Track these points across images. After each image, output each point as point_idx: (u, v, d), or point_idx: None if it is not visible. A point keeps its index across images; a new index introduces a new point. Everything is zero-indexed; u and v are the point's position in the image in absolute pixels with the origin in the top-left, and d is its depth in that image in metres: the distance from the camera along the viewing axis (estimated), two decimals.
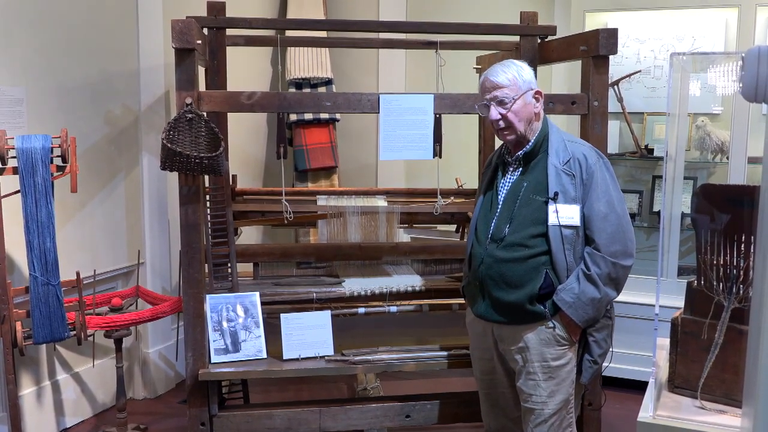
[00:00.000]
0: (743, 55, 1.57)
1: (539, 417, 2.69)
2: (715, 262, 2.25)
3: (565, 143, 2.71)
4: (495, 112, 2.66)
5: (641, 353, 4.36)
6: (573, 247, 2.63)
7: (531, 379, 2.69)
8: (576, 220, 2.62)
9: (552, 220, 2.61)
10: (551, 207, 2.62)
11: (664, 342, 2.55)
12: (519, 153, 2.74)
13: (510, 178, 2.77)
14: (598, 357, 2.72)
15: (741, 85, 1.56)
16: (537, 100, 2.70)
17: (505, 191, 2.76)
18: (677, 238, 4.11)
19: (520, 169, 2.75)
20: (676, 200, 3.61)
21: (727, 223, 2.24)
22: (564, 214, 2.61)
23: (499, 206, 2.74)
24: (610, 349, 2.81)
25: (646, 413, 2.24)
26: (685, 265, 4.30)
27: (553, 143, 2.71)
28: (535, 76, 2.75)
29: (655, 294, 2.29)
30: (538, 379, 2.67)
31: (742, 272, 2.20)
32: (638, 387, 4.28)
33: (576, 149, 2.69)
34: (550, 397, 2.68)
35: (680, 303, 2.50)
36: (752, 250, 2.18)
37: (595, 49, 3.07)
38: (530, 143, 2.72)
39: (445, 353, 3.24)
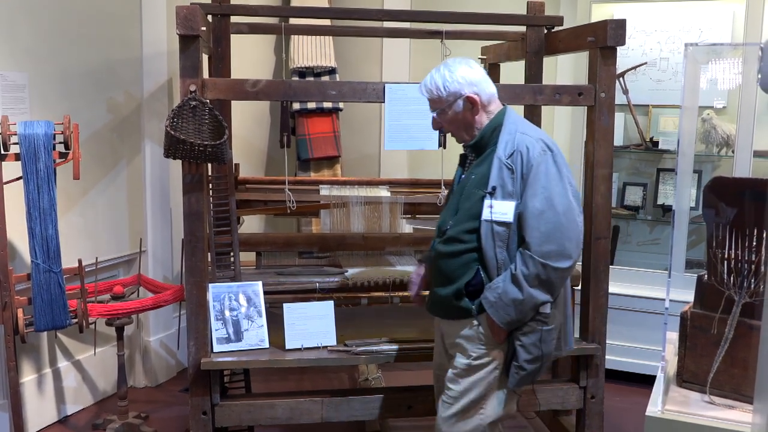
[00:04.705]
0: (762, 45, 1.54)
1: (446, 411, 2.63)
2: (726, 256, 2.23)
3: (515, 134, 2.55)
4: (433, 121, 2.65)
5: (644, 346, 4.35)
6: (506, 245, 2.50)
7: (453, 372, 2.63)
8: (509, 217, 2.48)
9: (485, 215, 2.50)
10: (486, 202, 2.50)
11: (673, 336, 2.52)
12: (469, 144, 2.66)
13: (466, 171, 2.70)
14: (524, 363, 2.52)
15: (760, 75, 1.53)
16: (472, 104, 2.56)
17: (457, 184, 2.71)
18: (685, 232, 4.10)
19: (475, 161, 2.66)
20: (685, 194, 3.60)
21: (738, 216, 2.21)
22: (498, 209, 2.48)
23: (451, 199, 2.71)
24: (555, 353, 2.66)
25: (654, 407, 2.22)
26: (689, 259, 4.30)
27: (504, 134, 2.56)
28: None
29: (666, 288, 2.27)
30: (457, 375, 2.61)
31: (753, 266, 2.18)
32: (641, 380, 4.28)
33: (522, 141, 2.52)
34: (462, 394, 2.60)
35: (686, 297, 2.48)
36: (764, 244, 2.16)
37: (604, 40, 3.04)
38: (475, 136, 2.62)
39: None
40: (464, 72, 2.56)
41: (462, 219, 2.58)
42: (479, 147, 2.63)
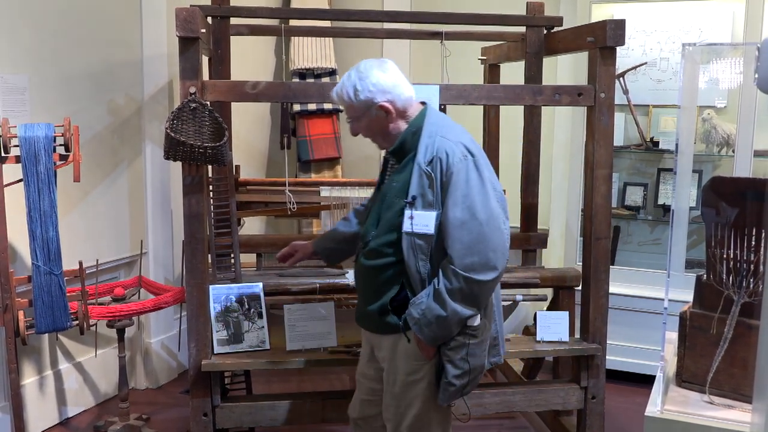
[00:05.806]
0: (759, 45, 1.54)
1: (394, 430, 2.54)
2: (725, 255, 2.23)
3: (435, 138, 2.38)
4: (350, 127, 2.53)
5: (645, 346, 4.35)
6: (428, 257, 2.36)
7: (389, 391, 2.53)
8: (430, 229, 2.33)
9: (406, 226, 2.35)
10: (407, 213, 2.35)
11: (672, 336, 2.52)
12: (390, 150, 2.53)
13: (389, 177, 2.55)
14: (452, 378, 2.39)
15: (757, 75, 1.53)
16: (386, 112, 2.42)
17: (380, 191, 2.58)
18: (685, 232, 4.10)
19: (397, 167, 2.51)
20: (684, 194, 3.60)
21: (737, 216, 2.21)
22: (419, 221, 2.34)
23: (373, 208, 2.57)
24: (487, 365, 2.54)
25: (653, 408, 2.22)
26: (690, 259, 4.29)
27: (424, 138, 2.40)
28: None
29: (665, 288, 2.27)
30: (396, 393, 2.51)
31: (752, 266, 2.18)
32: (642, 380, 4.28)
33: (442, 146, 2.35)
34: (405, 412, 2.50)
35: (686, 296, 2.48)
36: (763, 244, 2.16)
37: (603, 40, 3.05)
38: (394, 143, 2.48)
39: None
40: (376, 78, 2.40)
41: (383, 230, 2.45)
42: (401, 152, 2.49)
